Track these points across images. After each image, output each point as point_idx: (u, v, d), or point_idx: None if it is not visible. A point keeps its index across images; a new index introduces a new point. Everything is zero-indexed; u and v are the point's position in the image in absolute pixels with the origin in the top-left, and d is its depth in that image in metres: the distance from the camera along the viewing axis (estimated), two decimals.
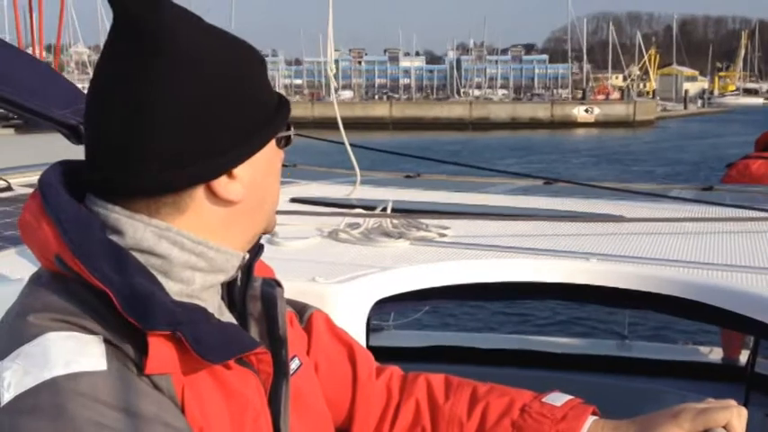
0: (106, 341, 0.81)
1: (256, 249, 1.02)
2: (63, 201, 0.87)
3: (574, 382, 3.12)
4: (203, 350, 0.82)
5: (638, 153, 34.68)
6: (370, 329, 2.01)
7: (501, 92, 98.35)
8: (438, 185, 3.29)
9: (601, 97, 73.73)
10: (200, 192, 0.89)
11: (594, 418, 1.12)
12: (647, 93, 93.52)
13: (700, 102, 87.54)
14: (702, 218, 2.43)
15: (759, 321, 1.57)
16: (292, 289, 1.18)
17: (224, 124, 0.88)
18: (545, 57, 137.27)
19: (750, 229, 2.25)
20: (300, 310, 1.21)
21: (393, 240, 2.07)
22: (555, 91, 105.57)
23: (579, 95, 76.61)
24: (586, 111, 58.78)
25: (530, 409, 1.14)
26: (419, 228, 2.18)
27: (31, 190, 1.06)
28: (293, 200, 2.65)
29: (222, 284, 0.99)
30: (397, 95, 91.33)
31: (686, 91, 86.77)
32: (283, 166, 1.01)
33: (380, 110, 61.62)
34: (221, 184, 0.89)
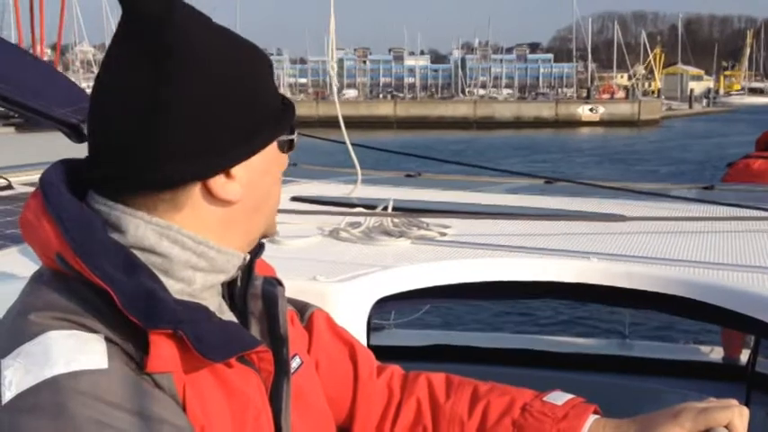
0: (107, 340, 0.81)
1: (257, 249, 1.02)
2: (64, 199, 0.87)
3: (575, 382, 3.12)
4: (204, 349, 0.82)
5: (643, 152, 34.58)
6: (371, 328, 2.01)
7: (506, 91, 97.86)
8: (439, 184, 3.29)
9: (605, 96, 73.75)
10: (196, 190, 0.89)
11: (596, 417, 1.12)
12: (652, 92, 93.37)
13: (705, 101, 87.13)
14: (703, 217, 2.42)
15: (760, 320, 1.58)
16: (293, 288, 1.19)
17: (225, 124, 0.88)
18: (550, 56, 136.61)
19: (751, 229, 2.24)
20: (301, 308, 1.21)
21: (394, 239, 2.08)
22: (560, 90, 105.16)
23: (584, 95, 76.24)
24: (591, 110, 58.61)
25: (531, 407, 1.13)
26: (420, 227, 2.18)
27: (31, 189, 1.07)
28: (294, 198, 2.65)
29: (223, 283, 0.99)
30: (401, 94, 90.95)
31: (691, 90, 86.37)
32: None
33: (385, 109, 61.50)
34: (218, 182, 0.89)
